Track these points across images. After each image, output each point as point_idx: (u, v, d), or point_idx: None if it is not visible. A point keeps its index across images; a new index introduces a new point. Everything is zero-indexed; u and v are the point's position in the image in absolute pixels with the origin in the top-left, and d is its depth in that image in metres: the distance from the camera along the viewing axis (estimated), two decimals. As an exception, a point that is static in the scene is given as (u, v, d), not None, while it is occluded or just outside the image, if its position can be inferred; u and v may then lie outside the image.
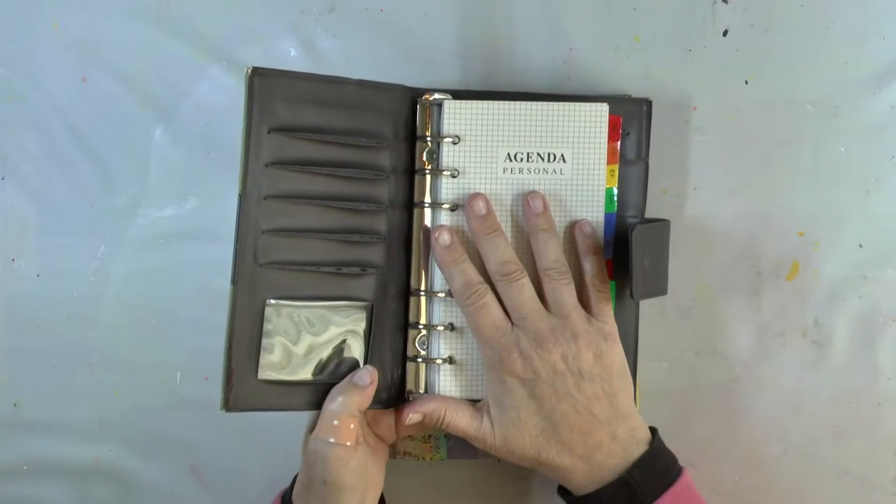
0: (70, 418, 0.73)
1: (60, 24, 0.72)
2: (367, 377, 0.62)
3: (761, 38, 0.70)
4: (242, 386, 0.60)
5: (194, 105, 0.72)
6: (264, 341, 0.61)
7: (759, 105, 0.70)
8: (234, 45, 0.71)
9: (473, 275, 0.63)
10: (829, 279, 0.71)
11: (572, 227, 0.65)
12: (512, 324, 0.62)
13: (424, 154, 0.65)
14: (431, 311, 0.65)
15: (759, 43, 0.70)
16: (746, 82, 0.71)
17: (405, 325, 0.65)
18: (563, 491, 0.64)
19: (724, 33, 0.70)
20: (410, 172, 0.65)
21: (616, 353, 0.63)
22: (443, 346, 0.65)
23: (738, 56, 0.70)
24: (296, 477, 0.64)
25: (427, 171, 0.65)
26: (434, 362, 0.65)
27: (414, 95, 0.65)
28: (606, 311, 0.64)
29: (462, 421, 0.62)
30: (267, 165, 0.61)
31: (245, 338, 0.60)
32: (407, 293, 0.65)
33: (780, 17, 0.70)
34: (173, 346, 0.72)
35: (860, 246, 0.71)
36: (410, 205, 0.65)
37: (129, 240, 0.72)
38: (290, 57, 0.71)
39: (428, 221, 0.65)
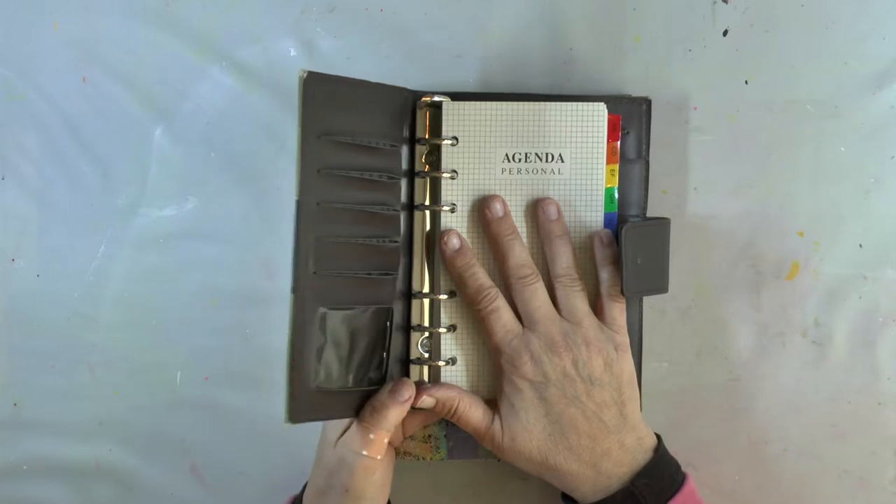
0: (70, 418, 0.73)
1: (60, 24, 0.72)
2: (407, 393, 0.61)
3: (761, 38, 0.70)
4: (303, 396, 0.59)
5: (194, 105, 0.72)
6: (318, 350, 0.60)
7: (759, 105, 0.70)
8: (234, 45, 0.71)
9: (484, 279, 0.63)
10: (829, 279, 0.71)
11: (584, 235, 0.65)
12: (523, 327, 0.62)
13: (423, 156, 0.65)
14: (433, 313, 0.65)
15: (759, 43, 0.70)
16: (746, 82, 0.71)
17: (407, 326, 0.65)
18: (566, 499, 0.64)
19: (724, 33, 0.70)
20: (411, 175, 0.65)
21: (626, 364, 0.63)
22: (445, 348, 0.65)
23: (738, 56, 0.70)
24: (305, 484, 0.64)
25: (426, 174, 0.65)
26: (436, 364, 0.65)
27: (414, 98, 0.65)
28: (620, 321, 0.64)
29: (474, 416, 0.63)
30: (318, 171, 0.60)
31: (305, 347, 0.59)
32: (409, 295, 0.65)
33: (780, 17, 0.70)
34: (173, 346, 0.72)
35: (860, 246, 0.71)
36: (411, 207, 0.65)
37: (129, 240, 0.72)
38: (289, 57, 0.71)
39: (428, 224, 0.65)
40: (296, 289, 0.59)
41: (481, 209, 0.64)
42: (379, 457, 0.60)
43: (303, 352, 0.59)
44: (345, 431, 0.61)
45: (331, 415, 0.61)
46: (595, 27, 0.70)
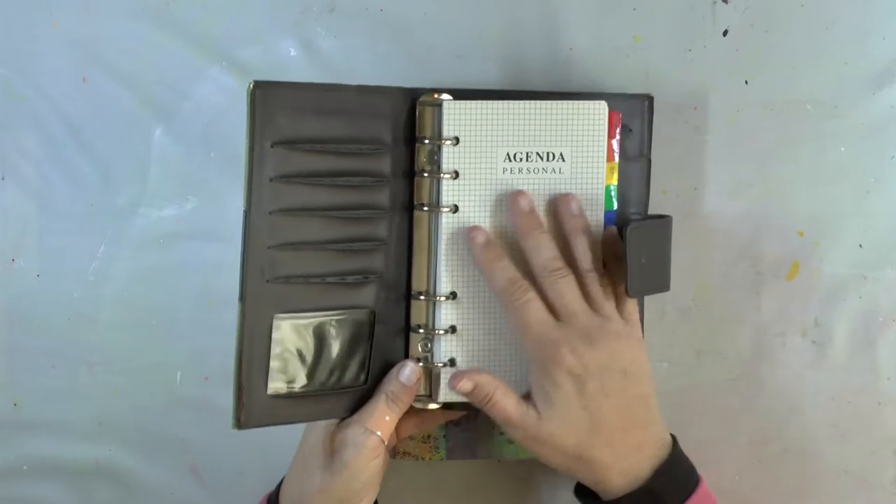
0: (70, 418, 0.73)
1: (60, 24, 0.72)
2: (414, 376, 0.63)
3: (761, 38, 0.70)
4: (253, 403, 0.59)
5: (194, 105, 0.72)
6: (273, 356, 0.60)
7: (759, 105, 0.70)
8: (234, 45, 0.71)
9: (515, 271, 0.62)
10: (829, 279, 0.71)
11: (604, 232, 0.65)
12: (557, 320, 0.62)
13: (424, 155, 0.65)
14: (433, 314, 0.65)
15: (759, 43, 0.70)
16: (746, 82, 0.70)
17: (406, 327, 0.65)
18: (581, 493, 0.64)
19: (724, 33, 0.70)
20: (410, 174, 0.65)
21: (645, 358, 0.63)
22: (445, 349, 0.65)
23: (738, 56, 0.70)
24: (281, 481, 0.64)
25: (426, 174, 0.64)
26: (436, 366, 0.64)
27: (412, 97, 0.64)
28: (635, 317, 0.64)
29: (509, 405, 0.61)
30: (271, 180, 0.59)
31: (254, 354, 0.59)
32: (408, 295, 0.65)
33: (780, 17, 0.70)
34: (173, 346, 0.72)
35: (860, 246, 0.71)
36: (410, 206, 0.65)
37: (129, 240, 0.72)
38: (289, 57, 0.71)
39: (427, 224, 0.65)
40: (243, 298, 0.59)
41: (509, 205, 0.63)
42: (385, 441, 0.61)
43: (252, 360, 0.59)
44: (351, 410, 0.62)
45: (292, 419, 0.61)
46: (595, 27, 0.70)
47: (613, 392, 0.61)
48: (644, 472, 0.60)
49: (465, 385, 0.62)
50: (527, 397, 0.62)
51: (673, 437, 0.63)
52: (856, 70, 0.70)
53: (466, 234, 0.63)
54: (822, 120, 0.70)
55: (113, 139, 0.72)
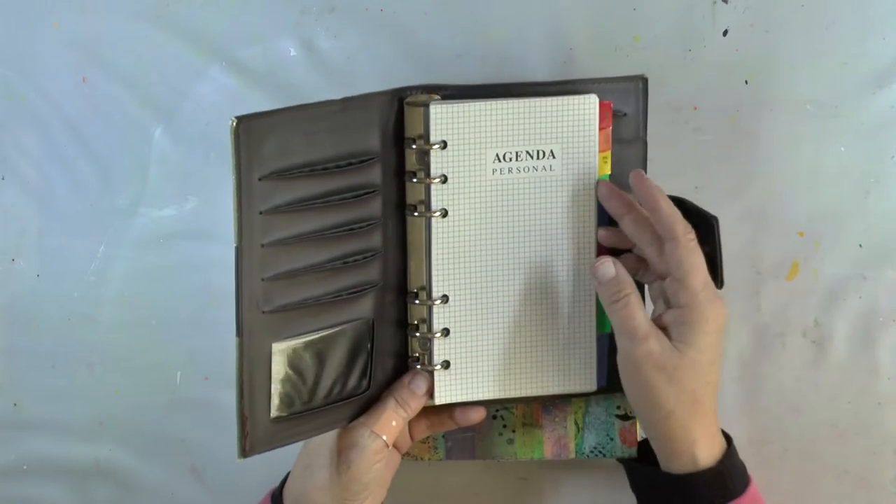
0: (70, 418, 0.73)
1: (60, 24, 0.72)
2: (424, 385, 0.63)
3: (761, 38, 0.70)
4: (256, 430, 0.59)
5: (194, 105, 0.72)
6: (273, 381, 0.60)
7: (759, 105, 0.70)
8: (234, 45, 0.71)
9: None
10: (829, 279, 0.71)
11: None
12: None
13: (414, 158, 0.63)
14: (427, 317, 0.64)
15: (759, 43, 0.70)
16: (746, 82, 0.70)
17: (405, 323, 0.65)
18: (637, 462, 0.65)
19: (724, 33, 0.70)
20: (402, 173, 0.64)
21: None
22: (438, 352, 0.64)
23: (738, 56, 0.70)
24: (286, 476, 0.64)
25: (416, 179, 0.63)
26: (432, 368, 0.64)
27: (400, 97, 0.63)
28: None
29: (640, 315, 0.60)
30: (261, 213, 0.58)
31: (255, 384, 0.59)
32: (405, 291, 0.65)
33: (780, 17, 0.70)
34: (173, 346, 0.72)
35: (860, 246, 0.71)
36: (404, 205, 0.64)
37: (129, 240, 0.72)
38: (289, 57, 0.71)
39: (419, 227, 0.64)
40: (240, 332, 0.58)
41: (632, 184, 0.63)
42: (390, 445, 0.61)
43: (253, 389, 0.58)
44: (353, 418, 0.62)
45: (296, 437, 0.61)
46: (595, 27, 0.70)
47: (721, 358, 0.61)
48: (718, 449, 0.60)
49: (607, 269, 0.61)
50: (655, 320, 0.61)
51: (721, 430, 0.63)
52: (856, 70, 0.70)
53: (633, 176, 0.62)
54: (822, 120, 0.70)
55: (113, 139, 0.72)
